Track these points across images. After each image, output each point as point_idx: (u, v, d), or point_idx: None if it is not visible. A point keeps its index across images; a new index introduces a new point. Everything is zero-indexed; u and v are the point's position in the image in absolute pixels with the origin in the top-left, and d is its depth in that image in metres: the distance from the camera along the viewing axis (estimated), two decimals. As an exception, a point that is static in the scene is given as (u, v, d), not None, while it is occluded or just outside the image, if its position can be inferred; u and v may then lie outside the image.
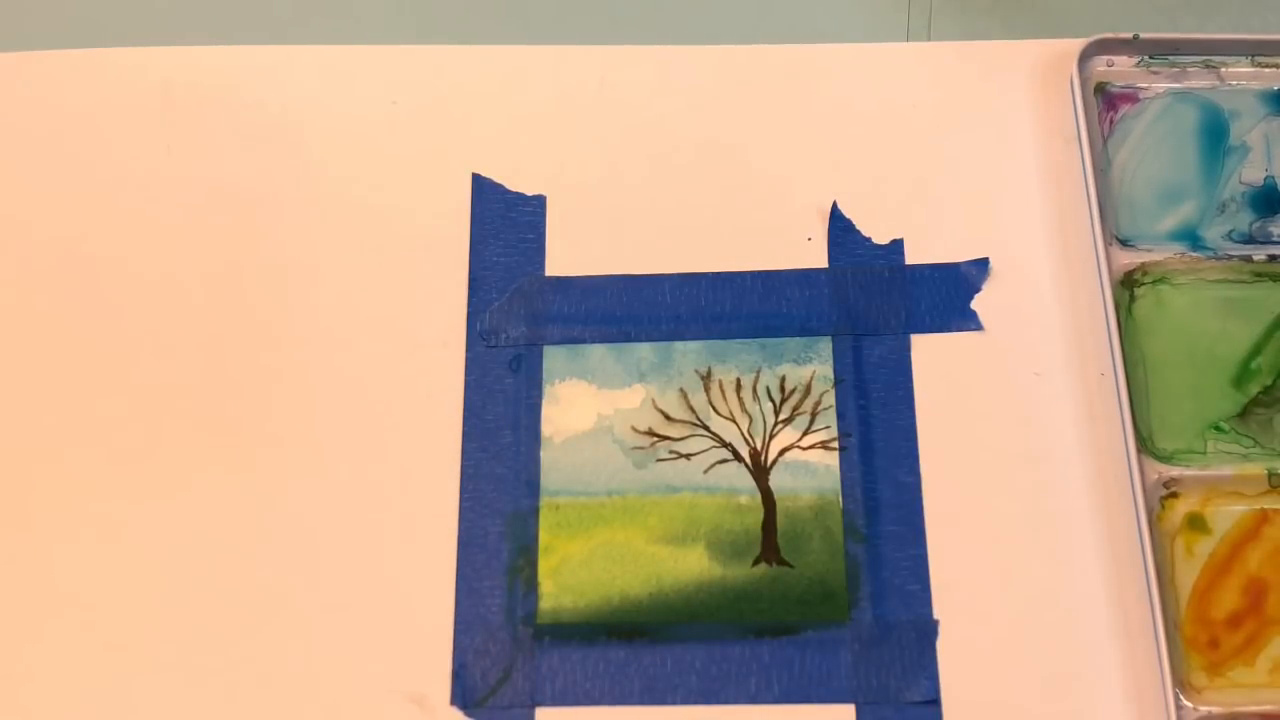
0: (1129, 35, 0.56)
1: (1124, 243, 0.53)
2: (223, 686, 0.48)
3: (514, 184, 0.55)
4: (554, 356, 0.52)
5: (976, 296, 0.53)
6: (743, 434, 0.51)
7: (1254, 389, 0.51)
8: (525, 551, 0.50)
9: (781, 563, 0.49)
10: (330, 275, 0.54)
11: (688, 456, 0.51)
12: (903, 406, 0.51)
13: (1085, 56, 0.56)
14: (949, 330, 0.53)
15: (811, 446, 0.51)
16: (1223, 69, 0.57)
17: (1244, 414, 0.51)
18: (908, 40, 0.59)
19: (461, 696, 0.48)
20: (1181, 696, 0.46)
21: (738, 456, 0.51)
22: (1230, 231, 0.54)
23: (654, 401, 0.52)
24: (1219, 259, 0.53)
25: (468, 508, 0.50)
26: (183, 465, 0.51)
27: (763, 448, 0.51)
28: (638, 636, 0.48)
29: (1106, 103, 0.56)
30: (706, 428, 0.51)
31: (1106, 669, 0.47)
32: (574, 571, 0.49)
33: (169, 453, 0.51)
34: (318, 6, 0.60)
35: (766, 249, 0.54)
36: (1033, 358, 0.52)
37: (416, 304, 0.53)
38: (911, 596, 0.49)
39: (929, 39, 0.59)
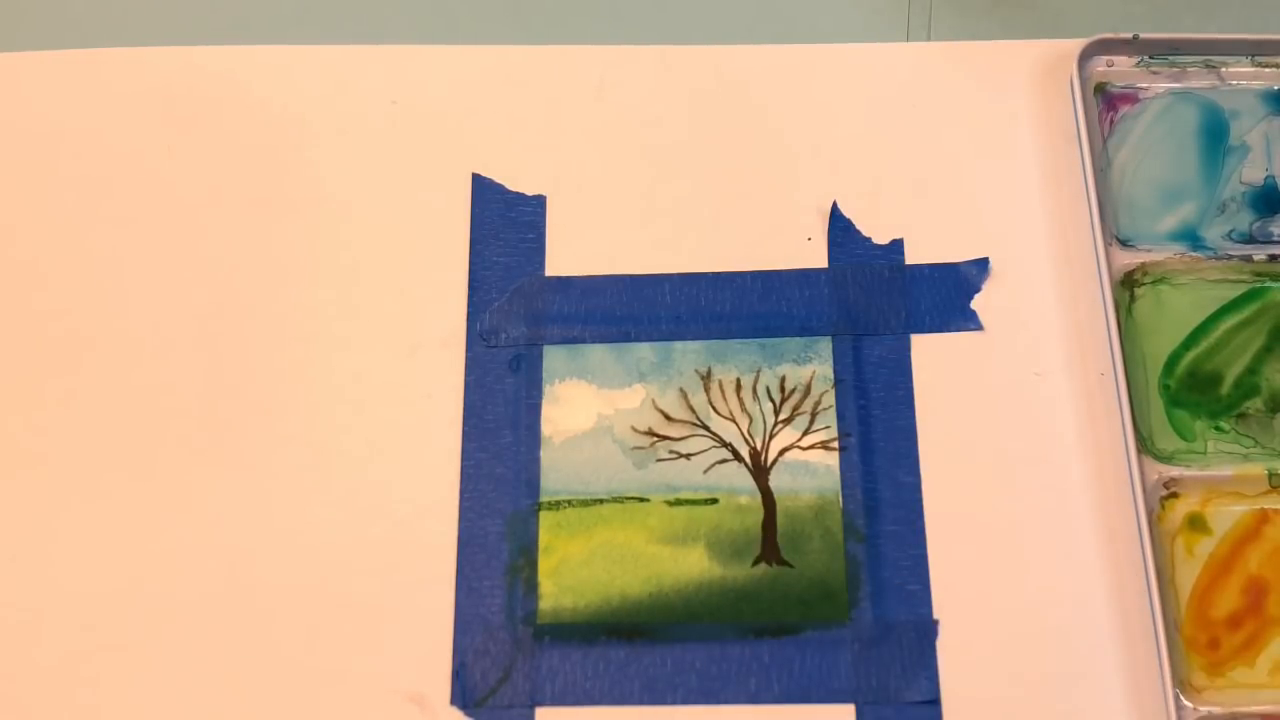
0: (1129, 35, 0.56)
1: (1124, 243, 0.53)
2: (222, 686, 0.48)
3: (514, 184, 0.55)
4: (554, 356, 0.52)
5: (976, 296, 0.53)
6: (743, 434, 0.51)
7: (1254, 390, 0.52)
8: (525, 551, 0.50)
9: (781, 563, 0.49)
10: (330, 275, 0.54)
11: (688, 456, 0.51)
12: (903, 406, 0.51)
13: (1085, 56, 0.56)
14: (949, 330, 0.53)
15: (811, 446, 0.51)
16: (1223, 69, 0.57)
17: (1244, 414, 0.51)
18: (908, 40, 0.59)
19: (461, 696, 0.48)
20: (1181, 696, 0.46)
21: (738, 456, 0.51)
22: (1230, 231, 0.54)
23: (654, 401, 0.52)
24: (1219, 259, 0.53)
25: (468, 508, 0.50)
26: (182, 465, 0.51)
27: (763, 448, 0.51)
28: (638, 636, 0.48)
29: (1106, 103, 0.56)
30: (706, 428, 0.51)
31: (1106, 669, 0.47)
32: (574, 571, 0.49)
33: (169, 453, 0.51)
34: (318, 6, 0.60)
35: (766, 249, 0.54)
36: (1033, 358, 0.52)
37: (416, 304, 0.53)
38: (911, 596, 0.49)
39: (929, 39, 0.59)
